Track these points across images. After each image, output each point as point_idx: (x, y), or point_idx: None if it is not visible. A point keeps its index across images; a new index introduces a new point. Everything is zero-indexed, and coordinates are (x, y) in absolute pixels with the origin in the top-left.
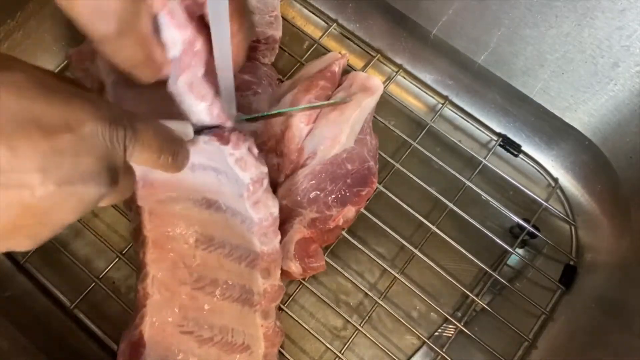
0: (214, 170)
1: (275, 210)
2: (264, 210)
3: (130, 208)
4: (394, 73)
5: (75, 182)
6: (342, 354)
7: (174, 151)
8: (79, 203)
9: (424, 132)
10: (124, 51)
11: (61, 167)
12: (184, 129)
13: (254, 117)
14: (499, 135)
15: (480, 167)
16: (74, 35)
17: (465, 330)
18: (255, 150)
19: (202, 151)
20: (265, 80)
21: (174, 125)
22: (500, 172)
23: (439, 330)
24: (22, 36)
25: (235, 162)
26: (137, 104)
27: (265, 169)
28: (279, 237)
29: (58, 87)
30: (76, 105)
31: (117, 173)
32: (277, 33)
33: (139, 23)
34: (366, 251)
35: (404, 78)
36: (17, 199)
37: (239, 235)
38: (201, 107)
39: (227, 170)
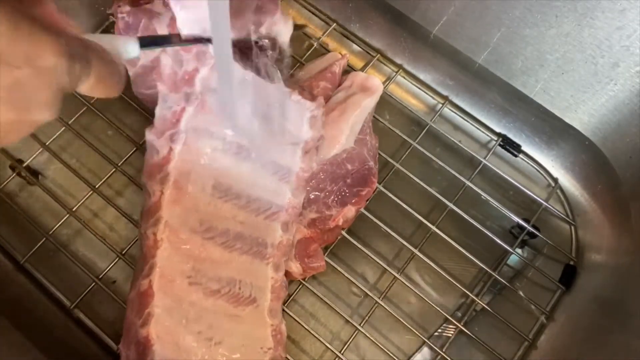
0: (266, 117)
1: (315, 167)
2: (308, 162)
3: (162, 134)
4: (394, 73)
5: (32, 110)
6: (342, 354)
7: (118, 80)
8: (31, 127)
9: (424, 132)
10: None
11: (21, 98)
12: (126, 46)
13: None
14: (499, 135)
15: (480, 167)
16: None
17: (465, 330)
18: (324, 117)
19: (264, 97)
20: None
21: (117, 41)
22: (500, 172)
23: (439, 330)
24: None
25: (310, 119)
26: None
27: (323, 133)
28: (304, 195)
29: (22, 23)
30: (37, 40)
31: (61, 99)
32: None
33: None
34: (366, 251)
35: (404, 78)
36: None
37: (263, 187)
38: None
39: (280, 121)
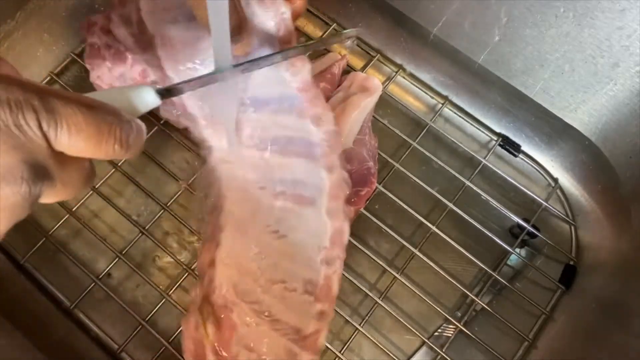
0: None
1: (287, 14)
2: (301, 77)
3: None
4: (394, 73)
5: None
6: (342, 354)
7: (120, 136)
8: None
9: (424, 132)
10: None
11: None
12: (141, 97)
13: (244, 62)
14: (499, 135)
15: (480, 167)
16: (74, 35)
17: (465, 330)
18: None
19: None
20: None
21: (128, 93)
22: (500, 172)
23: (439, 330)
24: (22, 36)
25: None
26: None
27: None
28: (308, 66)
29: None
30: None
31: (44, 167)
32: None
33: None
34: (366, 251)
35: (404, 78)
36: None
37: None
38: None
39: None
